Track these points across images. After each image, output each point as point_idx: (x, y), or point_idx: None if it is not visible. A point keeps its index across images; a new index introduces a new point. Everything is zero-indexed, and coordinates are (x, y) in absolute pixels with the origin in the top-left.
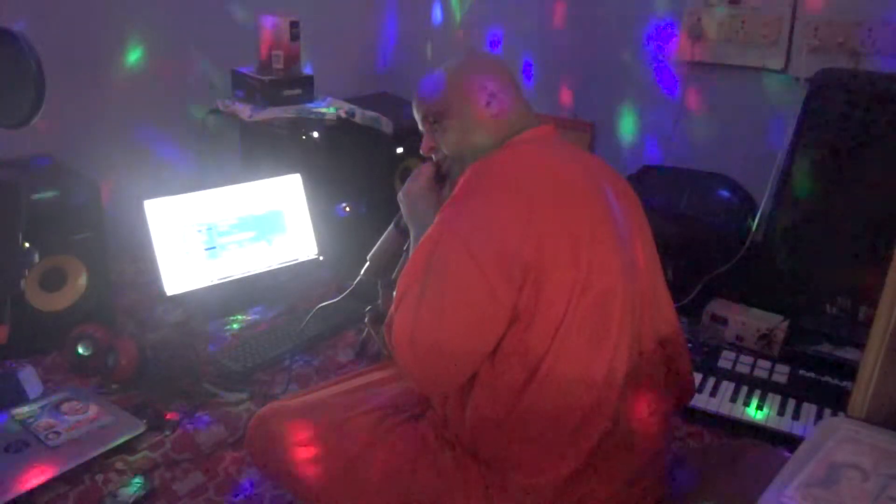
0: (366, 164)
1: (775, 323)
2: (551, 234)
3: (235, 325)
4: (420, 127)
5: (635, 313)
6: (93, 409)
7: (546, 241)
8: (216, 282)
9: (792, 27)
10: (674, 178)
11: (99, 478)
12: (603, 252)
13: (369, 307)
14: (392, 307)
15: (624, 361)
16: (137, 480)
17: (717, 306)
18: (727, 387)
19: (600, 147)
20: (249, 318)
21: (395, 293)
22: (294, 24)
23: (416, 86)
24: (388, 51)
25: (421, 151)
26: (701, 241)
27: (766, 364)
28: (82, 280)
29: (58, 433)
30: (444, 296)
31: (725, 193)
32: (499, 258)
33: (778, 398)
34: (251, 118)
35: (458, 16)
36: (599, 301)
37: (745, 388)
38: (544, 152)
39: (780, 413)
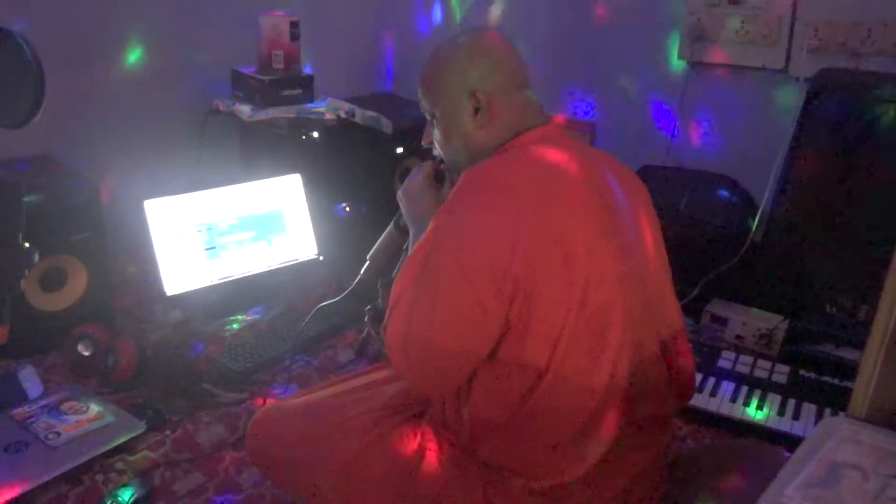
0: (366, 164)
1: (775, 323)
2: (543, 250)
3: (235, 325)
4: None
5: (636, 323)
6: (93, 409)
7: (537, 258)
8: (216, 282)
9: (792, 27)
10: (674, 178)
11: (99, 478)
12: (600, 266)
13: (369, 307)
14: (387, 311)
15: (625, 369)
16: (129, 490)
17: (717, 306)
18: (727, 387)
19: (600, 147)
20: (249, 318)
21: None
22: (294, 24)
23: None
24: (388, 51)
25: (423, 141)
26: (701, 241)
27: (766, 364)
28: (82, 280)
29: (58, 433)
30: (435, 304)
31: (725, 193)
32: (488, 272)
33: (778, 398)
34: (251, 118)
35: (458, 16)
36: (596, 316)
37: (745, 388)
38: (545, 157)
39: (780, 413)
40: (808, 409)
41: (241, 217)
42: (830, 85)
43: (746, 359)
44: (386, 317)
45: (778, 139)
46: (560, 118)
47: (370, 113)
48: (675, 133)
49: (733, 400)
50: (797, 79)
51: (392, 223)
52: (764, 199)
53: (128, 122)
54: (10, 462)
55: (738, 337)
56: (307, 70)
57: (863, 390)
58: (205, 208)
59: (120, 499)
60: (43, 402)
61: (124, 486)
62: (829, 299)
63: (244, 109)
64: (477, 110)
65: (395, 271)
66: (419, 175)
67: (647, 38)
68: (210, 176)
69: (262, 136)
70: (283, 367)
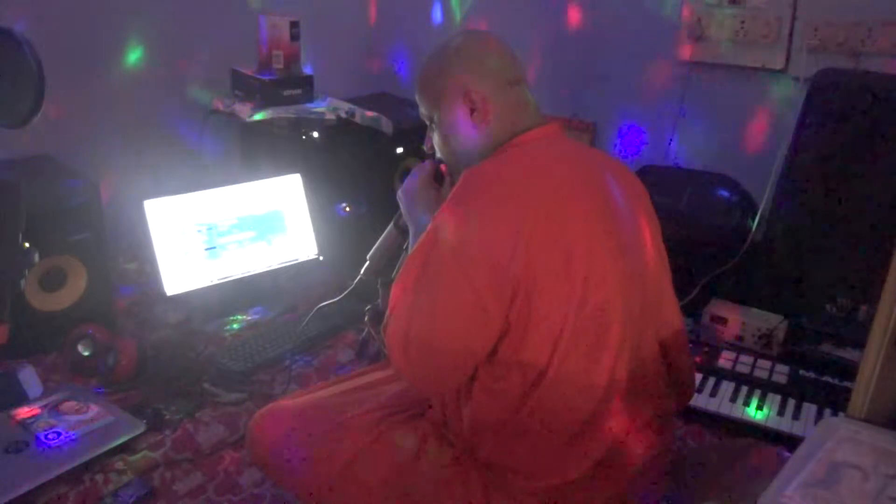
0: (366, 164)
1: (775, 323)
2: (543, 249)
3: (235, 325)
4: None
5: (635, 322)
6: (93, 409)
7: (537, 257)
8: (216, 282)
9: (792, 27)
10: (674, 178)
11: (99, 478)
12: (600, 265)
13: (369, 307)
14: (387, 311)
15: (625, 368)
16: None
17: (717, 306)
18: (727, 387)
19: (600, 147)
20: (249, 318)
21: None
22: (294, 24)
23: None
24: (388, 51)
25: (424, 147)
26: (701, 241)
27: (766, 364)
28: (82, 280)
29: (58, 433)
30: (435, 305)
31: (725, 193)
32: (488, 272)
33: (778, 398)
34: (251, 118)
35: (457, 16)
36: (596, 314)
37: (745, 388)
38: (545, 156)
39: (780, 413)
40: (808, 409)
41: (241, 217)
42: (830, 85)
43: (746, 359)
44: (386, 317)
45: (778, 139)
46: (559, 118)
47: (370, 113)
48: (675, 133)
49: (733, 400)
50: (797, 79)
51: (392, 223)
52: (764, 199)
53: (128, 122)
54: (10, 462)
55: (738, 337)
56: (307, 70)
57: (863, 390)
58: (205, 208)
59: (120, 499)
60: (43, 402)
61: (124, 486)
62: (829, 299)
63: (244, 109)
64: (472, 111)
65: (395, 271)
66: (419, 175)
67: (647, 38)
68: (210, 176)
69: (262, 136)
70: (283, 367)
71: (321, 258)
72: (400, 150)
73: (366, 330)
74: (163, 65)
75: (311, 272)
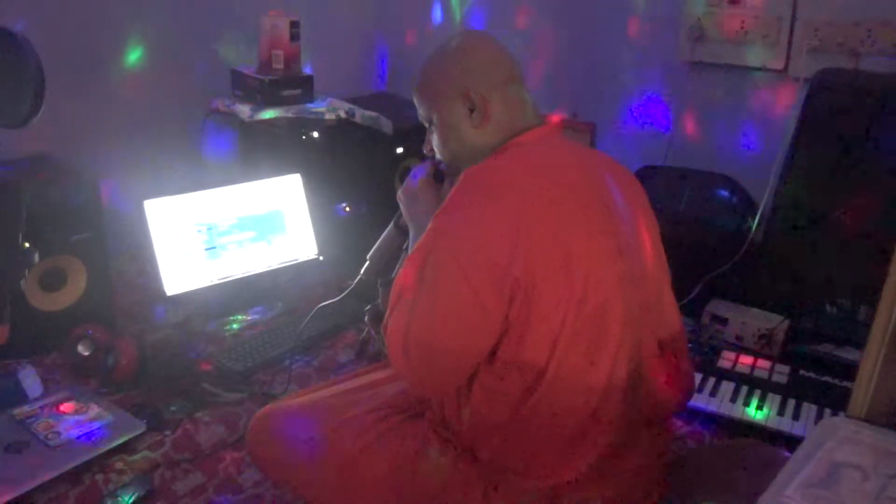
0: (366, 164)
1: (775, 323)
2: (542, 249)
3: (235, 325)
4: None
5: (634, 322)
6: (93, 409)
7: (537, 257)
8: (216, 282)
9: (792, 27)
10: (674, 178)
11: (99, 478)
12: (599, 265)
13: (369, 307)
14: (387, 311)
15: (624, 369)
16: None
17: (717, 306)
18: (727, 387)
19: (600, 147)
20: (249, 318)
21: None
22: (294, 24)
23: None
24: (388, 51)
25: (424, 150)
26: (701, 241)
27: (766, 364)
28: (82, 280)
29: (58, 433)
30: (435, 305)
31: (725, 193)
32: (488, 272)
33: (778, 398)
34: (251, 118)
35: (457, 16)
36: (596, 314)
37: (745, 388)
38: (543, 157)
39: (780, 413)
40: (808, 409)
41: (241, 217)
42: (830, 85)
43: (746, 359)
44: (386, 317)
45: (778, 139)
46: (559, 118)
47: (370, 113)
48: (675, 133)
49: (733, 400)
50: (797, 79)
51: (392, 223)
52: (764, 199)
53: (128, 122)
54: (10, 462)
55: (738, 337)
56: (307, 70)
57: (863, 390)
58: (205, 208)
59: (120, 499)
60: (43, 402)
61: (124, 486)
62: (829, 299)
63: (244, 109)
64: (471, 111)
65: (395, 271)
66: (419, 175)
67: (647, 38)
68: (210, 176)
69: (262, 136)
70: (282, 367)
71: (321, 258)
72: (400, 150)
73: (366, 330)
74: (163, 65)
75: (311, 272)
